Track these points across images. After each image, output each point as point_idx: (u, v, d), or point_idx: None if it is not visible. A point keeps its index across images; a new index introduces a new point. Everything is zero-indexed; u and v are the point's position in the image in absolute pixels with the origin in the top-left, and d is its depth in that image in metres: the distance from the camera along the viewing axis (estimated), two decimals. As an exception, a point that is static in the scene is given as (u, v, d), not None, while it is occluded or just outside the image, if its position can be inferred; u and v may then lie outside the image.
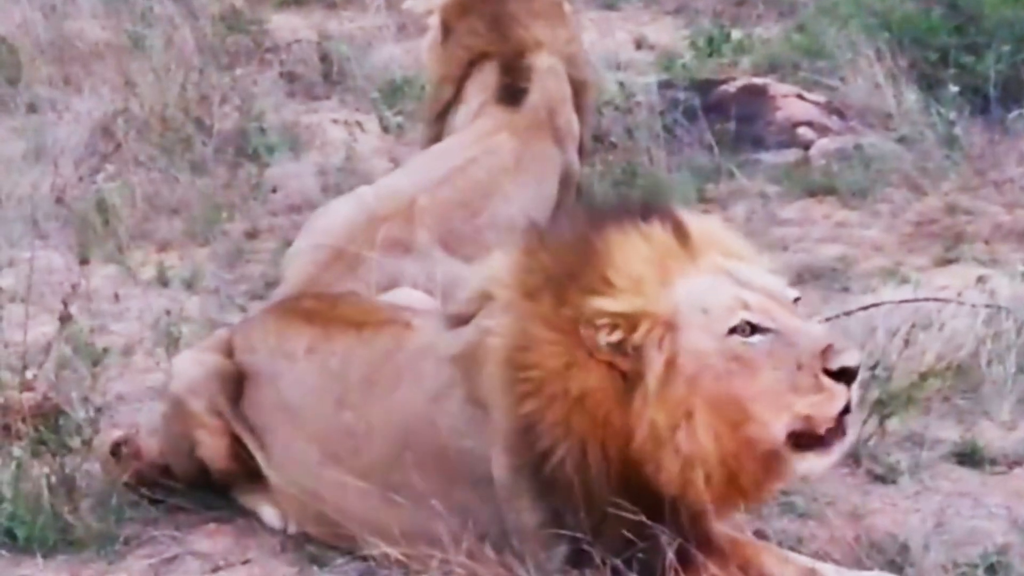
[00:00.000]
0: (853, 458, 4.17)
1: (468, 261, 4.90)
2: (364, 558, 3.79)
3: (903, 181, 6.42)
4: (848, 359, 3.26)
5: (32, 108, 7.75)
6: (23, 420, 4.25)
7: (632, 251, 3.38)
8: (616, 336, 3.32)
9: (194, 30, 8.12)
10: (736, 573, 3.43)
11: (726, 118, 6.91)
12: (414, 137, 6.73)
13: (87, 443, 4.16)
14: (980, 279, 4.98)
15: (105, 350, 4.67)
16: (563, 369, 3.37)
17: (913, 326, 4.55)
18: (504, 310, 3.51)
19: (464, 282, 3.95)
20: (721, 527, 3.50)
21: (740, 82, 7.29)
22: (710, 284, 3.37)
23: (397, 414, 3.73)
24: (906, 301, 4.81)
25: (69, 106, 7.48)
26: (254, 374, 4.08)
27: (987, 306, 4.76)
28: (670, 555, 3.31)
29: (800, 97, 7.17)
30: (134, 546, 4.04)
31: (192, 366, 4.16)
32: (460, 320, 3.71)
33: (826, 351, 3.26)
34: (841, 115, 7.04)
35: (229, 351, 4.18)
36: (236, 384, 4.09)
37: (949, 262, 5.73)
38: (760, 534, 3.74)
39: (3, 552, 3.99)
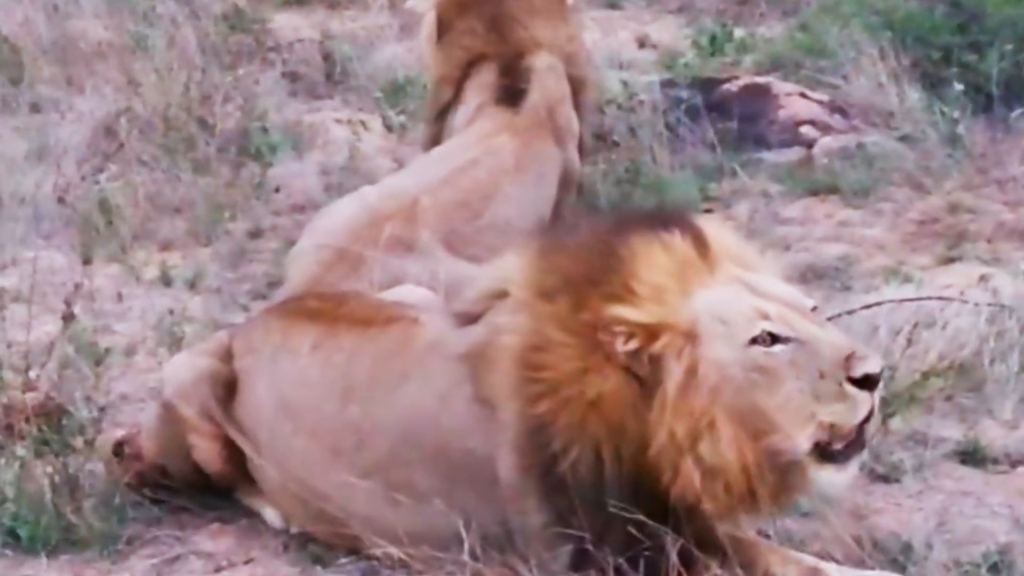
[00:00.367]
0: (855, 457, 4.18)
1: (470, 261, 4.91)
2: (367, 558, 3.79)
3: (906, 180, 6.41)
4: (871, 366, 3.26)
5: (35, 108, 7.74)
6: (26, 420, 4.25)
7: (655, 260, 3.38)
8: (634, 344, 3.33)
9: (196, 30, 8.11)
10: (739, 573, 3.42)
11: (729, 117, 6.91)
12: (417, 137, 6.72)
13: (90, 443, 4.15)
14: (983, 278, 4.98)
15: (108, 350, 4.66)
16: (579, 372, 3.37)
17: (916, 325, 4.55)
18: (518, 309, 3.50)
19: (471, 281, 3.94)
20: (724, 527, 3.49)
21: (743, 81, 7.27)
22: (729, 295, 3.37)
23: (402, 410, 3.71)
24: (909, 300, 4.81)
25: (72, 106, 7.46)
26: (254, 374, 4.05)
27: (990, 305, 4.76)
28: (673, 555, 3.31)
29: (803, 96, 7.15)
30: (137, 546, 4.04)
31: (183, 370, 4.15)
32: (468, 318, 3.70)
33: (849, 359, 3.26)
34: (844, 114, 7.03)
35: (227, 354, 4.15)
36: (228, 387, 4.07)
37: (952, 261, 5.72)
38: (763, 533, 3.73)
39: (6, 552, 3.99)
